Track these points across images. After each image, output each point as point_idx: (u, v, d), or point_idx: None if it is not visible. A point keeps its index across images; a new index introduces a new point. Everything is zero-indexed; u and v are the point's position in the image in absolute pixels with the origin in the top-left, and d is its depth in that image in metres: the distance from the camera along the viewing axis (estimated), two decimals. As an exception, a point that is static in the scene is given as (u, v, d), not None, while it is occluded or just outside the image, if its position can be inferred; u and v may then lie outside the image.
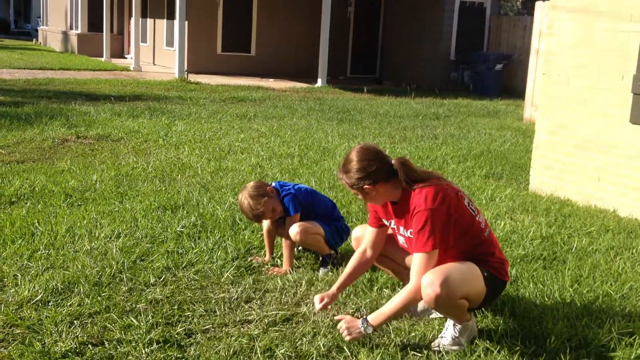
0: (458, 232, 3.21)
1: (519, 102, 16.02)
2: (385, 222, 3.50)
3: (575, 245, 4.98)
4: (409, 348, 3.26)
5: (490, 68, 18.86)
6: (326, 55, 18.71)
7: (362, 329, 3.21)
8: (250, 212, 4.21)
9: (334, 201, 4.90)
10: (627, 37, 5.97)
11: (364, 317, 3.25)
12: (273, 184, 4.41)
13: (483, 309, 3.67)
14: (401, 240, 3.45)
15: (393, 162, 3.27)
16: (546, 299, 3.91)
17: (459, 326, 3.30)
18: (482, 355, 3.19)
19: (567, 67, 6.59)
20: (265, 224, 4.52)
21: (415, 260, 3.17)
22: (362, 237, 3.67)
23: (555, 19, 6.71)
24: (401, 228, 3.37)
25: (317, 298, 3.59)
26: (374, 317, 3.23)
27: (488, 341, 3.33)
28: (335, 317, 3.45)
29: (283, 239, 4.35)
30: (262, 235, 4.81)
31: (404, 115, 13.17)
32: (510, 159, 8.59)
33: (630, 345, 3.34)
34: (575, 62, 6.50)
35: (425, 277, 3.09)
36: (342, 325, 3.28)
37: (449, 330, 3.33)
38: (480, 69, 19.09)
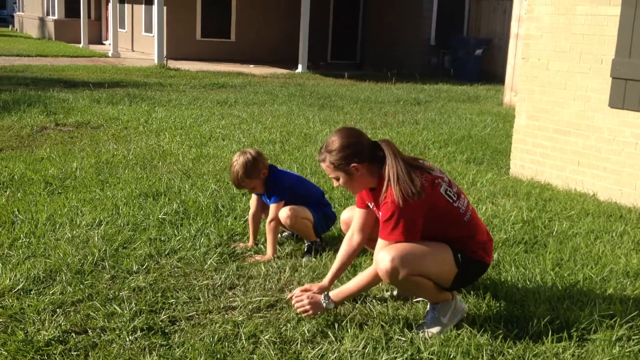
0: (431, 220, 3.17)
1: (498, 87, 16.09)
2: (370, 205, 3.47)
3: (555, 229, 5.02)
4: (392, 333, 3.28)
5: (470, 53, 18.91)
6: (307, 41, 18.65)
7: (325, 304, 3.30)
8: (235, 178, 4.23)
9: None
10: (606, 21, 6.00)
11: (326, 293, 3.32)
12: (268, 164, 4.37)
13: (464, 290, 3.70)
14: None
15: (377, 141, 3.25)
16: (528, 283, 3.95)
17: (438, 306, 3.32)
18: (465, 338, 3.22)
19: (546, 52, 6.62)
20: (252, 207, 4.50)
21: (379, 244, 3.19)
22: (351, 218, 3.65)
23: (534, 3, 6.73)
24: (380, 214, 3.36)
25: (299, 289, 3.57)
26: (336, 294, 3.31)
27: (471, 325, 3.35)
28: (296, 291, 3.48)
29: (266, 223, 4.34)
30: (245, 221, 4.80)
31: (385, 100, 13.17)
32: (490, 143, 8.64)
33: (611, 328, 3.38)
34: (554, 47, 6.53)
35: (380, 253, 3.12)
36: (304, 302, 3.34)
37: (429, 313, 3.35)
38: (460, 54, 19.14)
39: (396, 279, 3.11)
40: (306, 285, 3.60)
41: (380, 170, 3.21)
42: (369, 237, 3.58)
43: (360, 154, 3.19)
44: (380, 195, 3.21)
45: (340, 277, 3.70)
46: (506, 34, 17.50)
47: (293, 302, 3.40)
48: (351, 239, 3.57)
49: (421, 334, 3.28)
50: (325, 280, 3.61)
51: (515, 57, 12.86)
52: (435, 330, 3.29)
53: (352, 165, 3.20)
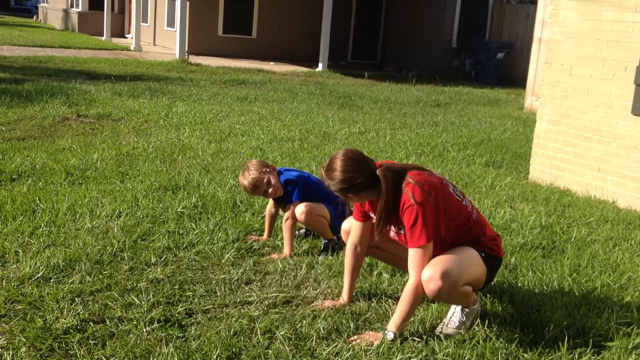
0: (448, 220, 3.19)
1: (519, 91, 16.01)
2: (372, 215, 3.42)
3: (574, 235, 4.99)
4: (407, 333, 3.28)
5: (492, 56, 18.83)
6: (328, 39, 18.65)
7: (383, 337, 3.17)
8: (250, 183, 4.20)
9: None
10: (631, 28, 5.95)
11: (383, 331, 3.21)
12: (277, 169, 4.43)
13: (481, 293, 3.70)
14: (391, 233, 3.43)
15: (377, 172, 3.18)
16: (545, 288, 3.93)
17: (466, 310, 3.33)
18: (480, 341, 3.21)
19: (570, 57, 6.58)
20: (268, 205, 4.53)
21: (411, 256, 3.14)
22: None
23: (559, 7, 6.69)
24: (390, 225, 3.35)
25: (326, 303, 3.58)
26: (390, 327, 3.20)
27: (487, 328, 3.35)
28: (353, 339, 3.22)
29: (283, 221, 4.35)
30: (262, 217, 4.82)
31: (405, 101, 13.15)
32: (510, 147, 8.60)
33: (628, 335, 3.36)
34: (578, 52, 6.49)
35: (425, 273, 3.07)
36: (365, 340, 3.19)
37: (457, 315, 3.34)
38: (482, 57, 19.05)
39: (447, 296, 3.12)
40: (327, 303, 3.58)
41: (379, 189, 3.18)
42: (371, 245, 3.60)
43: (357, 187, 3.16)
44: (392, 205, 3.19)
45: (354, 287, 3.69)
46: (529, 37, 17.41)
47: (353, 344, 3.17)
48: (355, 250, 3.56)
49: (439, 334, 3.28)
50: (345, 297, 3.61)
51: (537, 62, 12.79)
52: (459, 331, 3.30)
53: (348, 195, 3.21)
